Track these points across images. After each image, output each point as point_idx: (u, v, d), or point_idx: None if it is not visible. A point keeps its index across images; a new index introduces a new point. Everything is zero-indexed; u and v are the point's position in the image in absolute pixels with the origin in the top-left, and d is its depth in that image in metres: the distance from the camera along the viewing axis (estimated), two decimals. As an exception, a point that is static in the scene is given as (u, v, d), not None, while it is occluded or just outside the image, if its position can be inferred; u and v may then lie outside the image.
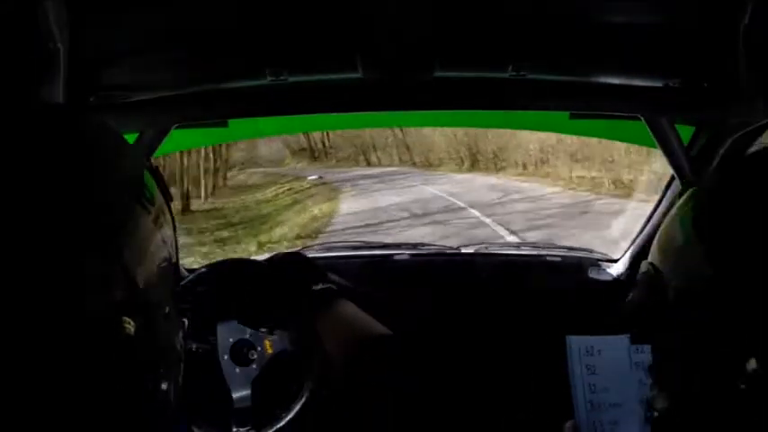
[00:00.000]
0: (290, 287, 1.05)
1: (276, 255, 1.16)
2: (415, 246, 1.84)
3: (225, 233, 10.12)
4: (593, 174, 11.53)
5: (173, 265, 0.48)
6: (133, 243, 0.42)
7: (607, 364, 0.93)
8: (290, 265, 1.09)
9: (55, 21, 0.53)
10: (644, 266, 0.55)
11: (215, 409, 1.13)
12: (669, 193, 1.38)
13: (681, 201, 0.51)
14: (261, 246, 8.73)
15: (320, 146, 25.85)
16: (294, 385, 1.15)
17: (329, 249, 1.82)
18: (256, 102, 1.08)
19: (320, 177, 17.76)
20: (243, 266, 1.25)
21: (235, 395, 1.16)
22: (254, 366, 1.18)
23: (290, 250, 1.80)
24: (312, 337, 1.04)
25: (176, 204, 10.70)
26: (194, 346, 1.13)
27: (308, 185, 16.53)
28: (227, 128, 1.27)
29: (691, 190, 0.50)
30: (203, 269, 1.25)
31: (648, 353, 0.92)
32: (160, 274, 0.45)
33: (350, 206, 11.62)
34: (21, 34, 0.51)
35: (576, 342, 0.97)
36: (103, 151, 0.44)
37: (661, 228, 0.53)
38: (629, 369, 0.92)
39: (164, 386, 0.46)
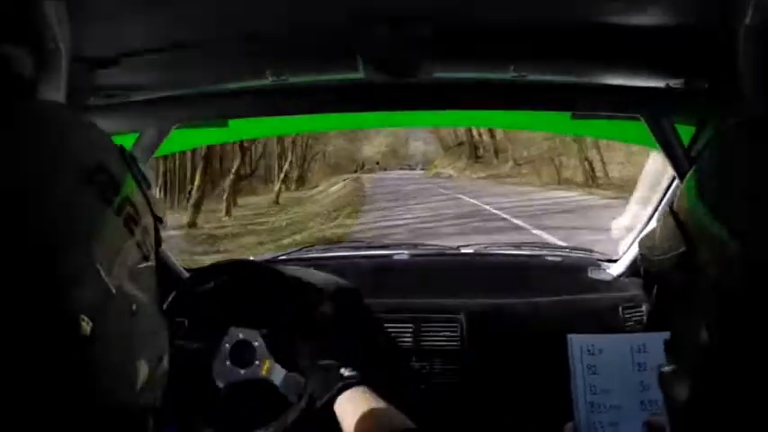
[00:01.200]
0: (297, 300, 1.05)
1: (283, 261, 1.15)
2: (415, 246, 1.84)
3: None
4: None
5: (146, 262, 0.48)
6: (95, 239, 0.41)
7: (609, 364, 0.92)
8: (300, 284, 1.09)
9: (56, 20, 0.53)
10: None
11: (214, 409, 1.13)
12: (669, 193, 1.38)
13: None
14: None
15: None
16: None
17: (329, 249, 1.83)
18: (257, 102, 1.09)
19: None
20: (252, 269, 1.26)
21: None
22: (253, 368, 1.18)
23: (293, 255, 1.80)
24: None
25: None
26: (194, 345, 1.13)
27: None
28: (227, 128, 1.28)
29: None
30: (203, 269, 1.25)
31: (650, 353, 0.91)
32: (129, 270, 0.44)
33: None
34: (21, 34, 0.51)
35: (577, 341, 0.96)
36: (62, 145, 0.43)
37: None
38: (631, 370, 0.91)
39: (140, 384, 0.45)
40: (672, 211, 0.49)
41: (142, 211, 0.48)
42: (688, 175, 0.48)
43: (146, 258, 0.48)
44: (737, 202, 0.42)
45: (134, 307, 0.45)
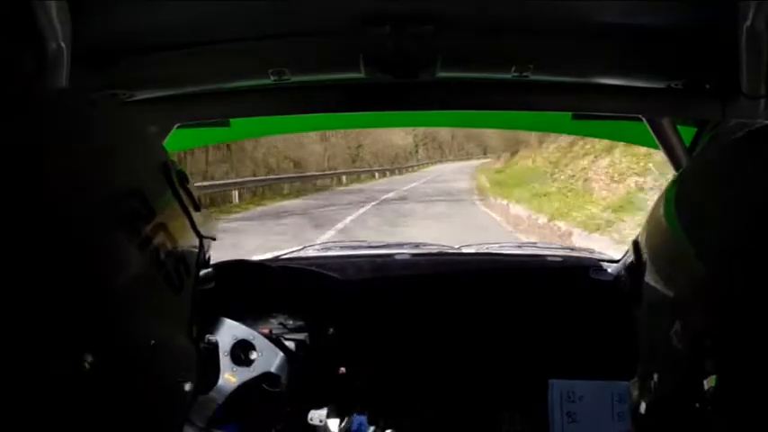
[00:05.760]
0: (298, 294, 1.05)
1: (284, 261, 1.15)
2: (416, 245, 1.84)
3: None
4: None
5: (178, 293, 0.44)
6: (160, 226, 0.39)
7: (588, 412, 0.90)
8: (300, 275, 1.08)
9: (58, 19, 0.53)
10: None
11: (213, 406, 1.13)
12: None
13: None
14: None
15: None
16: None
17: (330, 249, 1.82)
18: (259, 101, 1.08)
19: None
20: (251, 268, 1.26)
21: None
22: (254, 367, 1.19)
23: (294, 254, 1.80)
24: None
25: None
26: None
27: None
28: (228, 127, 1.28)
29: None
30: (208, 269, 1.25)
31: (628, 402, 0.88)
32: (150, 307, 0.41)
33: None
34: (24, 33, 0.51)
35: (557, 386, 0.94)
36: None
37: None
38: (611, 420, 0.89)
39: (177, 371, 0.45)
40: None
41: (180, 235, 0.44)
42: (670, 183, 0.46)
43: (178, 288, 0.44)
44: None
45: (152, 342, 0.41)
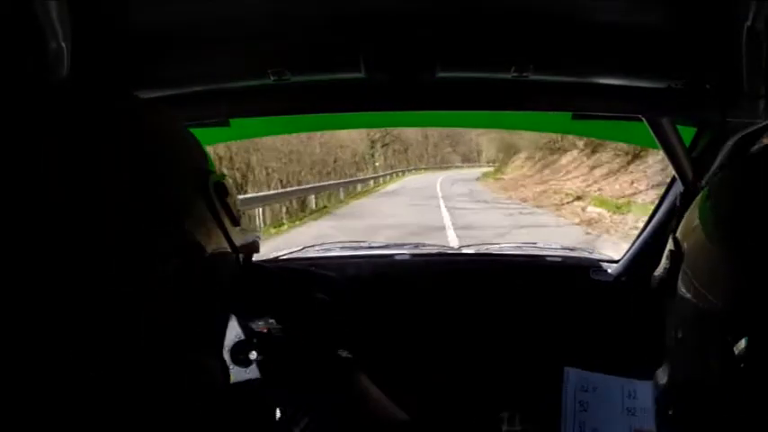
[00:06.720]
0: (294, 294, 1.04)
1: (284, 262, 1.14)
2: (415, 246, 1.84)
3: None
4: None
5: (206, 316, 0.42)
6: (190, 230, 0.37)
7: (600, 403, 0.92)
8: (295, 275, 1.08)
9: (58, 19, 0.53)
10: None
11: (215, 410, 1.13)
12: (671, 194, 1.37)
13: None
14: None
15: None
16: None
17: (330, 249, 1.82)
18: (258, 101, 1.08)
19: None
20: (252, 270, 1.25)
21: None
22: (254, 368, 1.19)
23: (294, 255, 1.80)
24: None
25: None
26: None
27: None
28: (228, 127, 1.28)
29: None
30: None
31: (640, 399, 0.90)
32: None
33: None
34: (25, 33, 0.51)
35: (573, 375, 0.96)
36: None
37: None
38: (620, 413, 0.90)
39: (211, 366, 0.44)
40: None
41: (213, 252, 0.41)
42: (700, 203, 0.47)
43: (207, 309, 0.42)
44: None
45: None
